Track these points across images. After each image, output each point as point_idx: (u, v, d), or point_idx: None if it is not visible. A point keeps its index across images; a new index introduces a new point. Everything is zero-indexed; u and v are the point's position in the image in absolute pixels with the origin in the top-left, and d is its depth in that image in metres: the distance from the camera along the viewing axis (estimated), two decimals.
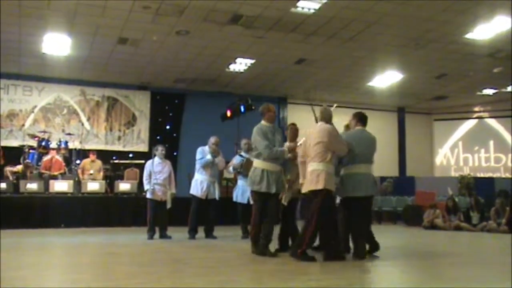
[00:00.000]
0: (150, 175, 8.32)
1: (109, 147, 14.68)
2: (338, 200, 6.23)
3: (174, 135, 15.54)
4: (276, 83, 15.03)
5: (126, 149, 14.90)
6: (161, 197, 8.34)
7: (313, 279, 4.57)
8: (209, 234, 8.44)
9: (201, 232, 8.42)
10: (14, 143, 13.34)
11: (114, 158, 13.62)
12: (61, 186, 11.04)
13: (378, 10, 9.60)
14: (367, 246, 5.93)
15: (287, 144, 6.24)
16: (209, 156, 8.31)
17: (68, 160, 12.39)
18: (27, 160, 11.71)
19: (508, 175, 17.01)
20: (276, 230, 6.24)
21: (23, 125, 13.83)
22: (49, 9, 9.58)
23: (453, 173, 17.74)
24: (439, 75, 14.04)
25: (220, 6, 9.47)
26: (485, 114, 17.83)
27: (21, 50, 11.87)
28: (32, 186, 10.79)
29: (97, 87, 14.80)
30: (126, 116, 15.16)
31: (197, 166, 8.46)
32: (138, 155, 14.28)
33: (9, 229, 9.10)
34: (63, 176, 11.66)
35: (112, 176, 12.48)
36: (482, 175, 17.10)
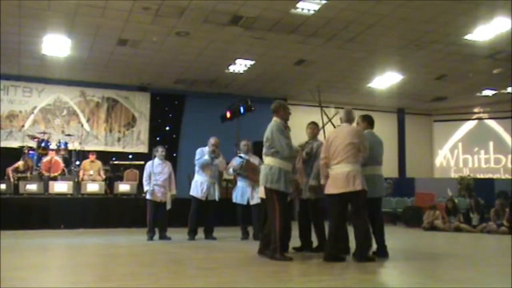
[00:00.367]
0: (150, 176, 8.32)
1: (108, 148, 14.68)
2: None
3: (174, 136, 15.54)
4: (276, 84, 15.03)
5: (126, 150, 14.90)
6: (161, 198, 8.34)
7: (313, 280, 4.57)
8: (208, 235, 8.44)
9: (200, 233, 8.42)
10: (14, 144, 13.34)
11: (113, 159, 13.62)
12: (60, 187, 11.03)
13: (378, 12, 9.61)
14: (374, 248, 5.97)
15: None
16: (206, 157, 8.30)
17: (67, 161, 12.38)
18: (27, 157, 11.71)
19: (507, 176, 17.00)
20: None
21: (23, 126, 13.83)
22: (49, 10, 9.59)
23: (453, 174, 17.74)
24: (438, 76, 14.05)
25: (220, 7, 9.48)
26: (485, 115, 17.84)
27: (21, 51, 11.88)
28: (32, 187, 10.78)
29: (97, 88, 14.81)
30: (126, 117, 15.16)
31: (197, 167, 8.47)
32: (137, 156, 14.28)
33: (9, 230, 9.09)
34: (62, 177, 11.66)
35: (111, 177, 12.47)
36: (481, 176, 17.11)
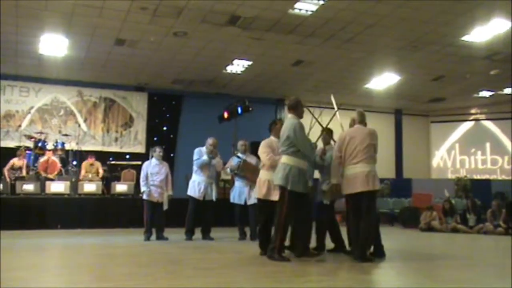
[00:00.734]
0: (147, 177, 8.32)
1: (106, 148, 14.65)
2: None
3: (171, 136, 15.53)
4: (274, 85, 15.03)
5: (123, 150, 14.87)
6: (158, 198, 8.33)
7: (311, 280, 4.57)
8: (206, 235, 8.43)
9: (198, 234, 8.41)
10: (10, 144, 13.30)
11: (111, 159, 13.59)
12: (57, 187, 11.01)
13: (376, 12, 9.62)
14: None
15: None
16: (205, 157, 8.30)
17: (64, 161, 12.36)
18: (22, 154, 11.68)
19: (504, 177, 17.05)
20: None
21: (20, 126, 13.80)
22: (46, 10, 9.57)
23: (450, 175, 17.76)
24: (436, 77, 14.07)
25: (218, 8, 9.47)
26: (482, 116, 17.88)
27: (18, 50, 11.84)
28: (29, 187, 10.76)
29: (94, 88, 14.78)
30: (123, 117, 15.13)
31: (194, 167, 8.46)
32: (135, 156, 14.26)
33: (6, 230, 9.05)
34: (59, 177, 11.64)
35: (109, 177, 12.46)
36: (478, 177, 17.13)
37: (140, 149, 15.00)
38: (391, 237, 10.04)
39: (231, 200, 8.58)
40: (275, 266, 5.34)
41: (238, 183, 8.55)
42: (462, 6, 9.31)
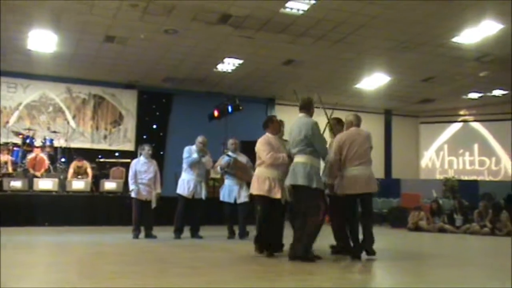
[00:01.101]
0: (135, 175, 8.29)
1: (95, 146, 14.58)
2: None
3: (161, 134, 15.47)
4: (264, 84, 15.03)
5: (112, 148, 14.79)
6: (146, 196, 8.31)
7: (299, 279, 4.58)
8: (195, 234, 8.42)
9: (187, 232, 8.40)
10: None
11: (100, 157, 13.52)
12: (45, 184, 10.93)
13: (367, 13, 9.65)
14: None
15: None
16: (195, 155, 8.29)
17: (53, 158, 12.26)
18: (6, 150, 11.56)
19: (491, 178, 17.22)
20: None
21: (8, 122, 13.65)
22: (35, 5, 9.48)
23: (438, 176, 17.90)
24: (426, 78, 14.16)
25: (209, 6, 9.45)
26: (471, 118, 18.03)
27: (6, 46, 11.70)
28: (16, 184, 10.65)
29: (83, 85, 14.69)
30: (112, 115, 15.06)
31: (184, 165, 8.44)
32: (124, 154, 14.18)
33: None
34: (48, 174, 11.55)
35: (97, 175, 12.39)
36: (466, 178, 17.28)
37: (130, 147, 14.93)
38: (379, 237, 10.08)
39: (221, 199, 8.57)
40: (264, 265, 5.34)
41: (228, 182, 8.55)
42: (452, 8, 9.36)
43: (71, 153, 12.68)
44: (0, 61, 12.29)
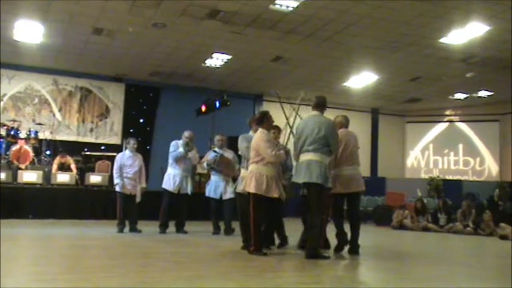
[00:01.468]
0: (120, 169, 8.24)
1: (81, 139, 14.47)
2: None
3: (148, 128, 15.39)
4: (252, 80, 15.02)
5: (98, 141, 14.69)
6: (131, 191, 8.28)
7: (281, 276, 4.60)
8: (180, 228, 8.41)
9: (172, 227, 8.38)
10: None
11: (85, 150, 13.41)
12: (30, 176, 10.83)
13: (356, 12, 9.69)
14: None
15: None
16: (181, 149, 8.26)
17: (38, 151, 12.14)
18: None
19: (475, 178, 17.42)
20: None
21: None
22: None
23: (423, 175, 18.06)
24: (413, 78, 14.26)
25: (198, 1, 9.41)
26: (456, 118, 18.21)
27: None
28: (0, 175, 10.54)
29: (70, 77, 14.54)
30: (99, 108, 14.94)
31: (170, 160, 8.42)
32: (110, 147, 14.09)
33: None
34: (32, 166, 11.44)
35: (83, 168, 12.30)
36: (450, 177, 17.45)
37: (116, 140, 14.83)
38: (364, 235, 10.15)
39: (207, 194, 8.56)
40: (247, 261, 5.36)
41: (214, 178, 8.54)
42: (440, 9, 9.44)
43: (56, 146, 12.57)
44: None
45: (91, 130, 14.78)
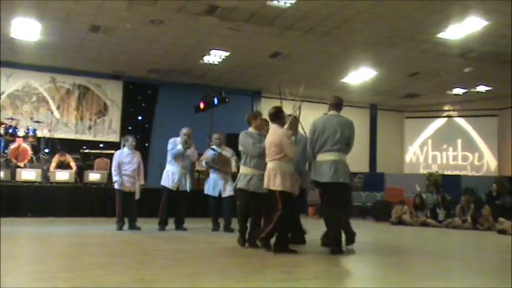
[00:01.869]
0: (119, 166, 8.24)
1: (79, 137, 14.46)
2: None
3: (146, 126, 15.38)
4: (251, 76, 15.01)
5: (97, 139, 14.68)
6: (130, 188, 8.27)
7: (281, 271, 4.60)
8: (179, 226, 8.41)
9: (171, 224, 8.38)
10: None
11: (84, 147, 13.40)
12: (28, 175, 10.82)
13: (354, 7, 9.67)
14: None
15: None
16: (179, 147, 8.25)
17: (36, 149, 12.13)
18: None
19: (474, 173, 17.45)
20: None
21: None
22: None
23: (422, 170, 18.07)
24: (411, 73, 14.25)
25: None
26: (454, 113, 18.21)
27: None
28: None
29: (68, 75, 14.52)
30: (97, 105, 14.93)
31: (168, 157, 8.41)
32: (109, 145, 14.08)
33: None
34: (31, 164, 11.43)
35: (81, 165, 12.29)
36: (449, 172, 17.48)
37: (114, 138, 14.82)
38: (363, 230, 10.18)
39: (205, 192, 8.56)
40: (246, 257, 5.36)
41: (213, 175, 8.53)
42: (438, 4, 9.43)
43: (54, 144, 12.55)
44: None
45: (90, 127, 14.77)
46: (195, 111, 14.11)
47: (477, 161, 17.69)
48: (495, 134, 17.38)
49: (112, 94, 15.09)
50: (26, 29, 11.11)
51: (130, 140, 8.42)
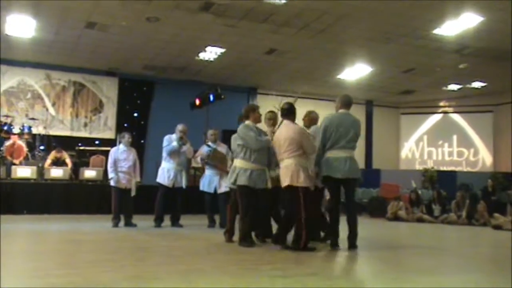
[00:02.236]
0: (115, 163, 8.23)
1: (74, 134, 14.42)
2: None
3: (142, 122, 15.36)
4: (247, 73, 14.99)
5: (93, 135, 14.64)
6: (126, 185, 8.27)
7: (277, 268, 4.61)
8: (175, 222, 8.42)
9: (167, 221, 8.39)
10: None
11: (79, 144, 13.38)
12: (24, 172, 10.79)
13: (349, 3, 9.66)
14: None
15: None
16: (175, 143, 8.25)
17: (31, 146, 12.10)
18: None
19: (469, 169, 17.51)
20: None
21: None
22: None
23: (418, 166, 18.13)
24: (407, 69, 14.27)
25: None
26: (450, 109, 18.26)
27: None
28: None
29: (63, 72, 14.46)
30: (93, 102, 14.88)
31: (164, 154, 8.41)
32: (104, 142, 14.05)
33: None
34: (26, 162, 11.40)
35: (77, 163, 12.26)
36: (445, 168, 17.54)
37: (110, 134, 14.79)
38: (359, 226, 10.20)
39: (201, 188, 8.56)
40: (243, 254, 5.37)
41: (208, 172, 8.53)
42: (433, 0, 9.43)
43: (50, 141, 12.52)
44: None
45: (85, 124, 14.73)
46: (191, 108, 14.08)
47: (472, 157, 17.75)
48: (490, 130, 17.45)
49: (108, 91, 15.05)
50: (21, 26, 11.05)
51: (127, 137, 8.41)
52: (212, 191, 8.38)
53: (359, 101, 18.13)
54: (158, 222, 8.26)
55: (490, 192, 13.49)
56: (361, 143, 17.75)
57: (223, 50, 12.79)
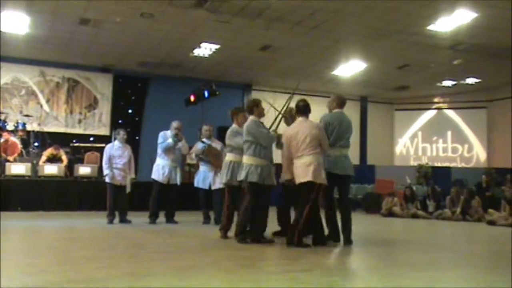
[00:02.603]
0: (110, 160, 8.22)
1: (69, 130, 14.36)
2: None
3: (137, 119, 15.32)
4: (241, 69, 14.98)
5: (87, 132, 14.59)
6: (121, 181, 8.26)
7: (272, 264, 4.63)
8: (170, 219, 8.42)
9: (162, 217, 8.38)
10: None
11: (74, 141, 13.32)
12: (18, 169, 10.75)
13: (343, 0, 9.65)
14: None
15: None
16: (170, 140, 8.24)
17: (25, 143, 12.04)
18: None
19: (464, 165, 17.58)
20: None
21: None
22: None
23: (412, 162, 18.18)
24: (401, 65, 14.29)
25: None
26: (444, 105, 18.31)
27: None
28: None
29: (57, 68, 14.38)
30: (87, 99, 14.82)
31: (159, 150, 8.40)
32: (99, 138, 14.01)
33: None
34: (20, 158, 11.35)
35: (72, 159, 12.22)
36: (439, 164, 17.59)
37: (105, 131, 14.75)
38: (353, 222, 10.23)
39: (195, 185, 8.57)
40: (238, 250, 5.38)
41: (203, 168, 8.54)
42: None
43: (44, 138, 12.47)
44: None
45: (80, 121, 14.68)
46: (185, 104, 14.06)
47: (466, 153, 17.82)
48: (484, 126, 17.51)
49: (102, 87, 14.99)
50: (15, 22, 10.98)
51: (122, 133, 8.40)
52: (206, 187, 8.39)
53: (353, 97, 18.16)
54: (153, 218, 8.26)
55: (484, 188, 13.56)
56: (355, 139, 17.89)
57: (217, 47, 12.76)
